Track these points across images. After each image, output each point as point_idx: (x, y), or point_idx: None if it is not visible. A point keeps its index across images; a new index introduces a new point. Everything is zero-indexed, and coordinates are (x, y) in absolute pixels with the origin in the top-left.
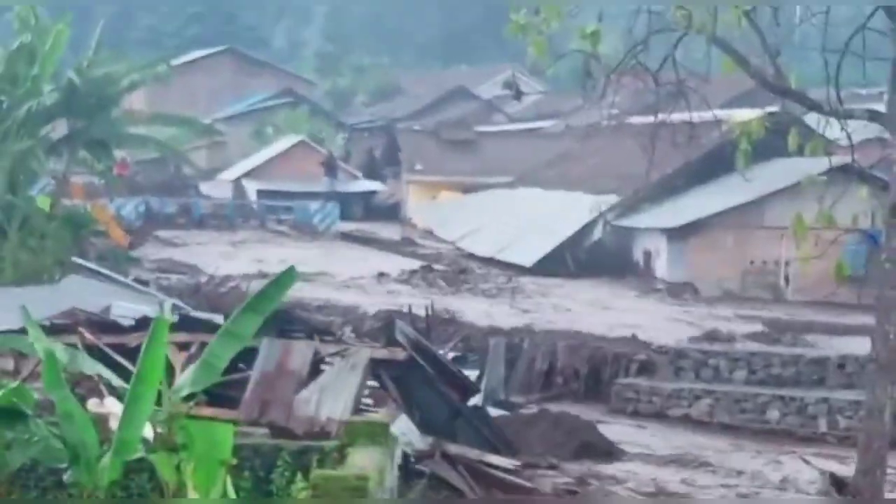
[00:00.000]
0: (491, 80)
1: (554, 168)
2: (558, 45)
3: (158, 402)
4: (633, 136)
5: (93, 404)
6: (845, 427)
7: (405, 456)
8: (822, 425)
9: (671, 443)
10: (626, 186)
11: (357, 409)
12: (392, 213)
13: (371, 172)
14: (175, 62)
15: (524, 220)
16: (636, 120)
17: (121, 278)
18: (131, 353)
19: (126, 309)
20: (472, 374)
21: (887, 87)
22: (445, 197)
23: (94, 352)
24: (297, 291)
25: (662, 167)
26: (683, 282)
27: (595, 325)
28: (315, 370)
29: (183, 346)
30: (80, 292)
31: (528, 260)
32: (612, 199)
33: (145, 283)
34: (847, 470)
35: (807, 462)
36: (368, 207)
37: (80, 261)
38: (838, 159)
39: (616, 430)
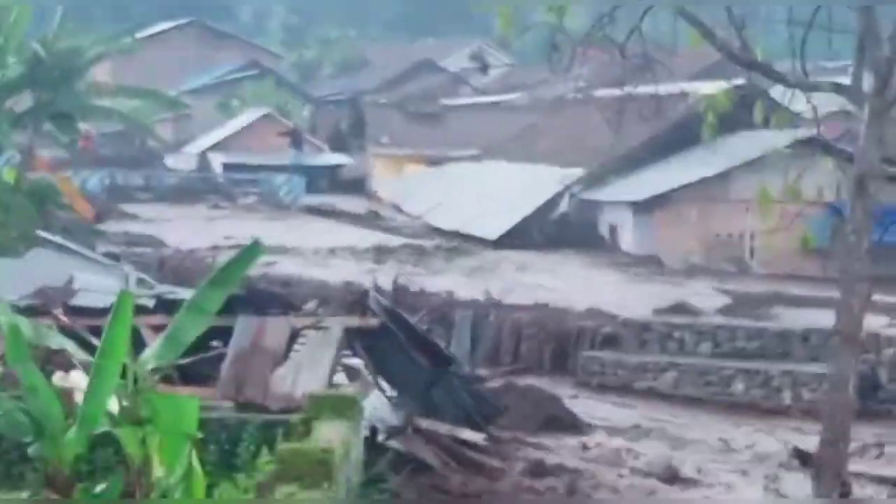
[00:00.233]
0: (457, 53)
1: (520, 141)
2: (525, 18)
3: (124, 377)
4: (600, 108)
5: (58, 378)
6: (809, 399)
7: (374, 430)
8: (787, 398)
9: (636, 415)
10: (592, 159)
11: (331, 383)
12: (358, 186)
13: (337, 145)
14: (140, 34)
15: (490, 193)
16: (602, 93)
17: (86, 251)
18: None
19: (90, 282)
20: None
21: (852, 60)
22: (411, 170)
23: (68, 333)
24: (265, 267)
25: (628, 140)
26: (648, 255)
27: (561, 298)
28: (291, 347)
29: (159, 329)
30: (45, 266)
31: (493, 233)
32: (578, 172)
33: (116, 257)
34: (811, 442)
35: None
36: (334, 181)
37: (44, 234)
38: (803, 132)
39: (581, 402)
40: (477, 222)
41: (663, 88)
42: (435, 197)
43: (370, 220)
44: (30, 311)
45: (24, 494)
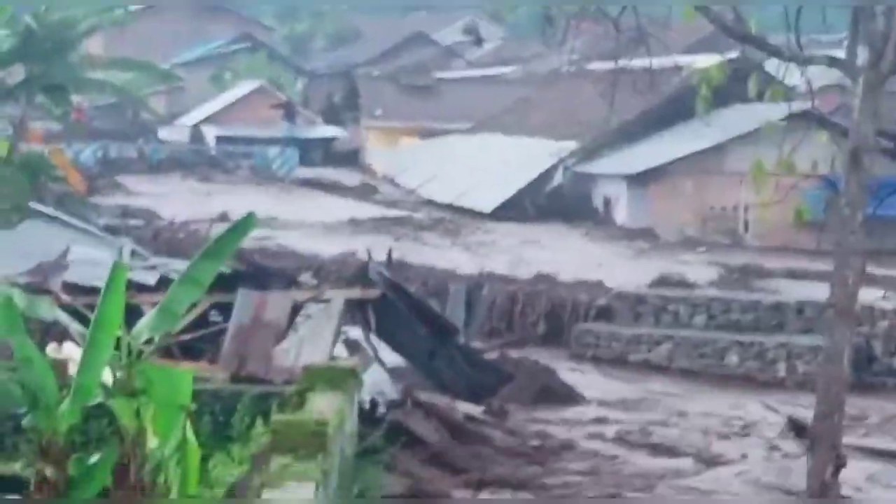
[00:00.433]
0: (451, 26)
1: (514, 114)
2: None
3: (118, 348)
4: (593, 82)
5: (51, 349)
6: (804, 372)
7: (374, 403)
8: (781, 370)
9: (630, 387)
10: (586, 132)
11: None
12: (351, 159)
13: (330, 118)
14: (133, 7)
15: (484, 166)
16: (596, 66)
17: (79, 223)
18: None
19: (84, 254)
20: None
21: (847, 34)
22: (405, 143)
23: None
24: (259, 241)
25: (622, 113)
26: (643, 227)
27: (555, 271)
28: (293, 320)
29: None
30: (39, 237)
31: (487, 206)
32: (572, 145)
33: (115, 229)
34: (806, 414)
35: (769, 407)
36: (327, 153)
37: (38, 206)
38: (798, 105)
39: (575, 375)
40: (471, 195)
41: (657, 62)
42: (429, 170)
43: (364, 192)
44: (29, 290)
45: (18, 465)
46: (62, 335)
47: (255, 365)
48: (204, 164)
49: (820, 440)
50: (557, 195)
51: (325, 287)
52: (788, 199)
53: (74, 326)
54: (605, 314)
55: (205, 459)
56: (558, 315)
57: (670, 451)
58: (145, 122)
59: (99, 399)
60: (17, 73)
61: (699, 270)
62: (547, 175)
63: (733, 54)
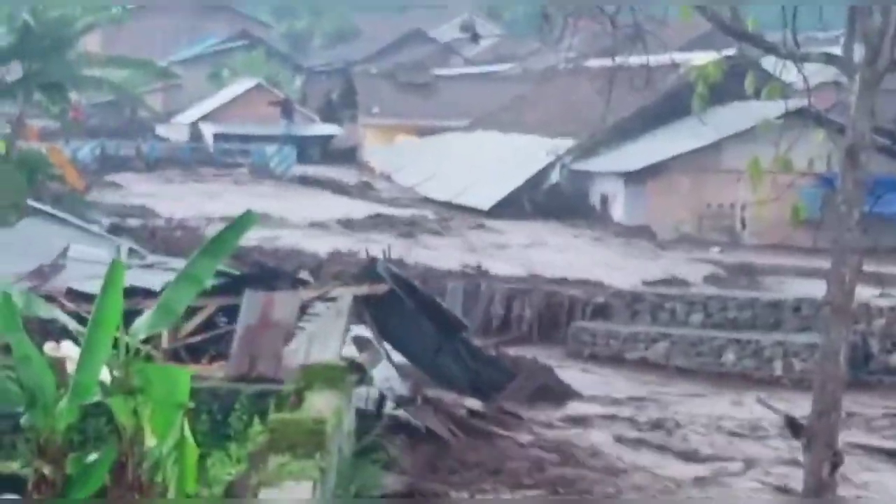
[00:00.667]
0: (448, 24)
1: (511, 111)
2: None
3: (116, 347)
4: (591, 79)
5: (49, 348)
6: (801, 370)
7: (382, 399)
8: (778, 368)
9: (627, 385)
10: (583, 130)
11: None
12: (349, 156)
13: (328, 116)
14: (130, 4)
15: (481, 163)
16: (593, 63)
17: (77, 221)
18: None
19: (83, 252)
20: None
21: (844, 31)
22: (402, 140)
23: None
24: (259, 240)
25: (619, 111)
26: (640, 225)
27: (552, 269)
28: (300, 319)
29: None
30: (37, 236)
31: (485, 203)
32: (569, 142)
33: (117, 229)
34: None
35: (766, 404)
36: (325, 151)
37: (36, 204)
38: (795, 103)
39: (572, 373)
40: (469, 193)
41: (654, 59)
42: (426, 167)
43: (362, 190)
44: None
45: (16, 464)
46: (60, 334)
47: (266, 365)
48: (201, 162)
49: (816, 438)
50: (555, 192)
51: (332, 285)
52: (785, 196)
53: (73, 325)
54: (601, 312)
55: (202, 458)
56: (555, 312)
57: (669, 450)
58: (143, 120)
59: (97, 397)
60: (14, 71)
61: (695, 268)
62: (544, 172)
63: (730, 52)
